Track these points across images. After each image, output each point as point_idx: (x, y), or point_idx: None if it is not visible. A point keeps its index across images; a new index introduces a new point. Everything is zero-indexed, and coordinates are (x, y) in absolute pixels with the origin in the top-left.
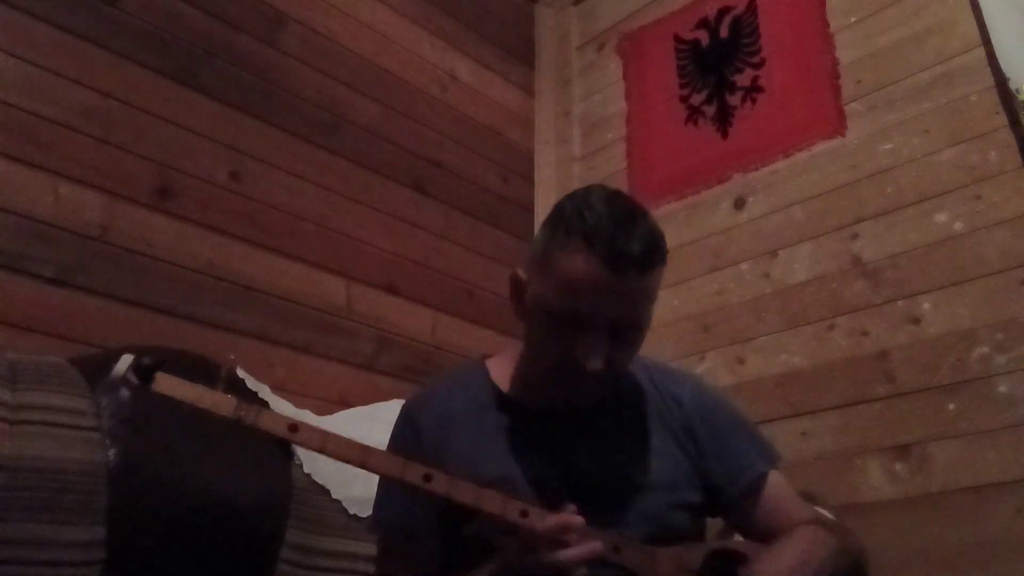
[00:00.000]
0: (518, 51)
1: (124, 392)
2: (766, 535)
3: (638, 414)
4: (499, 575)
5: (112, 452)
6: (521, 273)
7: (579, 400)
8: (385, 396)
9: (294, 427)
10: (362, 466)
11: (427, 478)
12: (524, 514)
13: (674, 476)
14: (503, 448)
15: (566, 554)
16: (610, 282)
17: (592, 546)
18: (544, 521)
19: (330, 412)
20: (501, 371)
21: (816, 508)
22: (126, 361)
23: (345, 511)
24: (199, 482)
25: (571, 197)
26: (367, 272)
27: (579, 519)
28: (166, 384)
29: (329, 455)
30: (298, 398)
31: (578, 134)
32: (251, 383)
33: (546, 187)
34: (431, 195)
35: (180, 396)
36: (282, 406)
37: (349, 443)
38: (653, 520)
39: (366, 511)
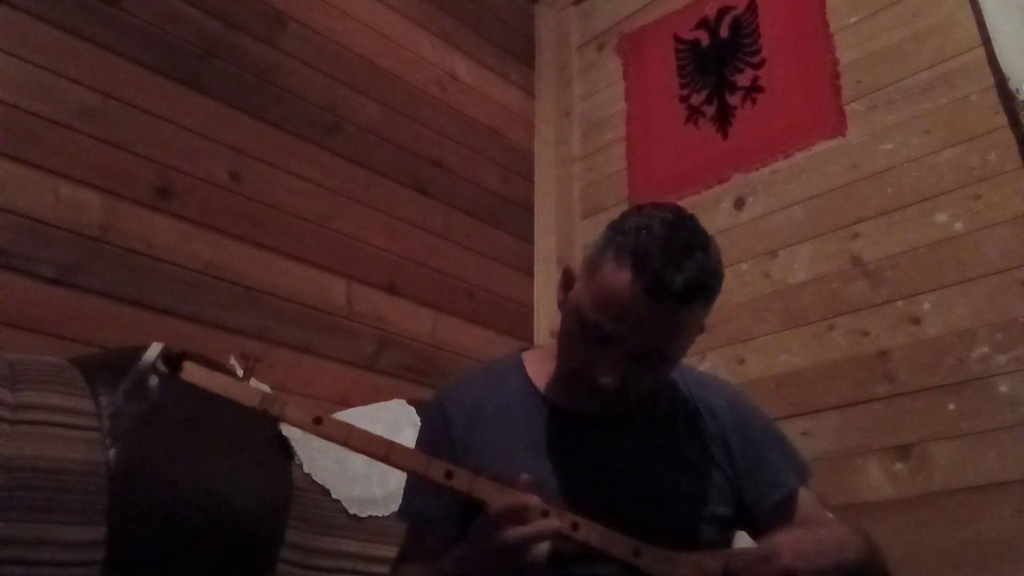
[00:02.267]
0: (518, 51)
1: (152, 380)
2: None
3: (673, 423)
4: (467, 554)
5: (112, 452)
6: (574, 268)
7: (596, 409)
8: (385, 396)
9: (318, 420)
10: (385, 461)
11: (449, 475)
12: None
13: (705, 488)
14: (533, 447)
15: (513, 532)
16: (643, 309)
17: (548, 523)
18: (501, 498)
19: (330, 412)
20: (538, 368)
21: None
22: (155, 349)
23: (345, 511)
24: (199, 482)
25: (639, 211)
26: (367, 272)
27: (534, 499)
28: (193, 373)
29: (353, 449)
30: (298, 398)
31: (578, 134)
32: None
33: (546, 187)
34: (431, 195)
35: (207, 385)
36: None
37: (373, 438)
38: (681, 532)
39: (366, 511)
